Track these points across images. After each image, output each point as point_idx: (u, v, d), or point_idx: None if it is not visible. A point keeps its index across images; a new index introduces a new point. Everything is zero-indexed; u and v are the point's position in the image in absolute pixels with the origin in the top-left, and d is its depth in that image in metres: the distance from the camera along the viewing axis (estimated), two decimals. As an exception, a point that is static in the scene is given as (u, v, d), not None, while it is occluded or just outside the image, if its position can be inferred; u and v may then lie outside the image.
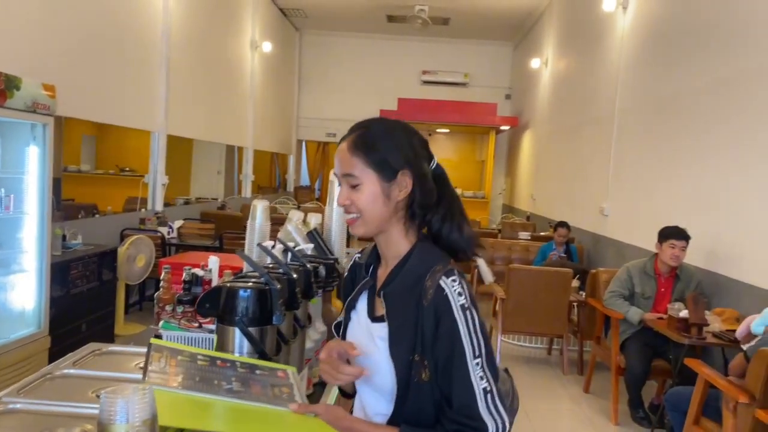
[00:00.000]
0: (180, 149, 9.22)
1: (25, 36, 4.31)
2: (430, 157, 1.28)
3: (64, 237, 4.50)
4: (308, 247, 2.40)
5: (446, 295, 1.17)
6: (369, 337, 1.28)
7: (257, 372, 1.37)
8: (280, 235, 2.56)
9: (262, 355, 1.48)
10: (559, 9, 9.36)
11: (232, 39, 9.00)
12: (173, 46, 6.68)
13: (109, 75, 5.50)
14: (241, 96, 9.57)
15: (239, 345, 1.49)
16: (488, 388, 1.14)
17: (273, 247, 2.29)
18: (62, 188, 8.71)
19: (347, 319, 1.39)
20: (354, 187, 1.24)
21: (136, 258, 5.20)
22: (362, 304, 1.34)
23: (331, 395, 1.84)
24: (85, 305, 4.34)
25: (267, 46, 10.27)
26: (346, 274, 1.52)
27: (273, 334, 1.56)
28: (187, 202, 8.13)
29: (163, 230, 5.94)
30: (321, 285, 2.16)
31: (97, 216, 5.99)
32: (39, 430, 1.20)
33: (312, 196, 12.83)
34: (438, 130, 13.22)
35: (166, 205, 7.21)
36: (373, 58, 12.95)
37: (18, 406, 1.31)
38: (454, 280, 1.18)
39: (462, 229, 1.27)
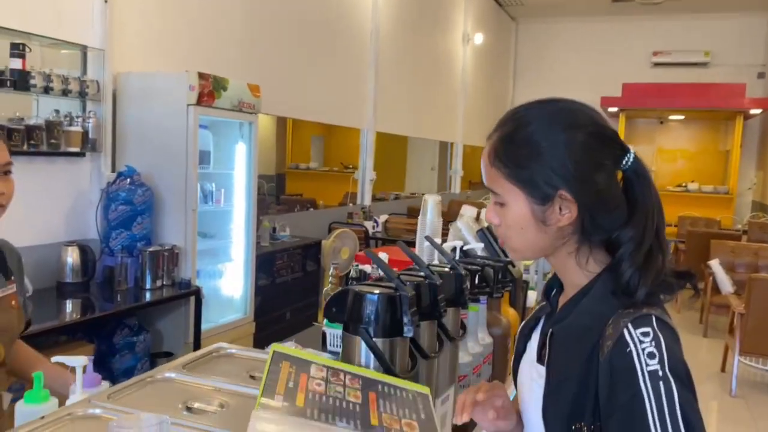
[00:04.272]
0: (395, 146, 9.46)
1: (237, 39, 4.63)
2: (620, 153, 0.92)
3: (274, 229, 4.79)
4: (478, 247, 2.15)
5: (629, 353, 0.83)
6: (530, 376, 1.00)
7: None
8: (451, 233, 2.36)
9: (389, 372, 1.28)
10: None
11: (443, 33, 8.96)
12: (382, 42, 6.81)
13: (317, 74, 5.74)
14: (451, 90, 9.50)
15: (365, 358, 1.31)
16: None
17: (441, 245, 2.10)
18: (287, 184, 9.48)
19: (521, 348, 1.10)
20: (500, 204, 0.96)
21: (340, 250, 5.36)
22: (537, 334, 1.05)
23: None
24: (289, 294, 4.56)
25: (479, 38, 10.06)
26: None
27: (404, 348, 1.34)
28: (397, 198, 8.29)
29: (369, 224, 6.07)
30: (487, 290, 1.90)
31: (311, 210, 6.34)
32: (183, 399, 1.16)
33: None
34: (671, 117, 11.85)
35: (379, 200, 7.42)
36: (596, 42, 12.01)
37: (173, 376, 1.29)
38: (645, 334, 0.83)
39: (648, 264, 0.88)
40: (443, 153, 10.31)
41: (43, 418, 0.97)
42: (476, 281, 1.87)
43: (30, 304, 1.64)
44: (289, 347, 1.28)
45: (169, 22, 3.90)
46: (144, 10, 3.70)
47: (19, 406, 1.11)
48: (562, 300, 0.99)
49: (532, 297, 2.45)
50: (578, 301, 0.92)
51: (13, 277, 1.52)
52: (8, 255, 1.55)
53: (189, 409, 1.08)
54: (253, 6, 4.72)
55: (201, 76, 3.39)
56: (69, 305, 3.07)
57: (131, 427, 0.71)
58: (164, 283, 3.35)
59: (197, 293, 3.44)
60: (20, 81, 2.85)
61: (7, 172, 1.44)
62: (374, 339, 1.28)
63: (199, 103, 3.39)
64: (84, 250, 3.18)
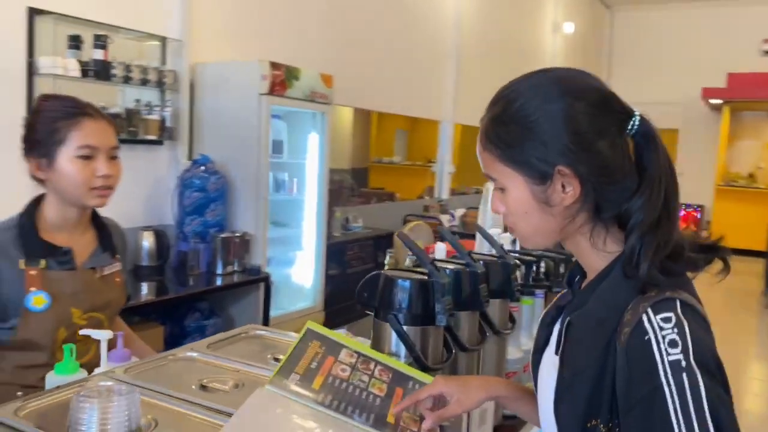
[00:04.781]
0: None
1: (314, 29, 4.63)
2: (623, 117, 0.83)
3: (346, 220, 4.79)
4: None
5: (648, 341, 0.74)
6: (548, 369, 0.92)
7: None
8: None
9: (418, 362, 1.21)
10: None
11: (530, 22, 8.68)
12: (464, 31, 6.67)
13: (395, 64, 5.69)
14: (539, 82, 9.19)
15: (396, 346, 1.24)
16: None
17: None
18: (370, 177, 9.52)
19: (542, 339, 1.01)
20: (501, 190, 0.89)
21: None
22: (559, 325, 0.96)
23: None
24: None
25: (569, 28, 9.67)
26: None
27: (437, 338, 1.27)
28: (478, 192, 8.14)
29: (444, 218, 5.97)
30: (545, 284, 1.79)
31: (387, 202, 6.32)
32: (200, 378, 1.16)
33: (619, 189, 11.78)
34: (782, 110, 10.93)
35: (460, 194, 7.30)
36: (698, 30, 11.25)
37: (195, 355, 1.29)
38: (666, 319, 0.74)
39: (652, 235, 0.79)
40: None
41: (58, 387, 0.97)
42: (533, 273, 1.77)
43: (130, 278, 1.74)
44: (323, 327, 1.24)
45: (246, 13, 3.97)
46: (221, 1, 3.78)
47: (50, 376, 1.14)
48: (585, 285, 0.89)
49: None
50: (597, 285, 0.84)
51: (118, 255, 1.60)
52: (114, 234, 1.63)
53: (203, 387, 1.06)
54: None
55: (273, 65, 3.42)
56: (144, 287, 3.19)
57: (96, 396, 0.68)
58: (235, 269, 3.42)
59: (267, 280, 3.49)
60: (102, 71, 2.97)
61: (115, 157, 1.50)
62: (405, 327, 1.22)
63: (271, 92, 3.43)
64: (159, 235, 3.29)
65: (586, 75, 0.87)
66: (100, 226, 1.59)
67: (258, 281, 3.48)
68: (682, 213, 11.40)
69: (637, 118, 0.83)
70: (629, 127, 0.83)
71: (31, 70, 2.79)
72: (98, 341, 1.41)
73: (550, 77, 0.86)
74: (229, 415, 0.92)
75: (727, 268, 0.83)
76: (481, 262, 1.46)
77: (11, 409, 0.91)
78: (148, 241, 3.27)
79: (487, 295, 1.38)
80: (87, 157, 1.42)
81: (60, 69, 2.79)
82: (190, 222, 3.40)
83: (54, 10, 2.86)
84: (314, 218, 3.99)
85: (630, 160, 0.83)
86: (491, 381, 1.04)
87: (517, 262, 1.65)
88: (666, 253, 0.78)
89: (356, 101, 5.28)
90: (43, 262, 1.40)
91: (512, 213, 0.88)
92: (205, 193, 3.38)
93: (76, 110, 1.44)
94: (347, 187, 6.87)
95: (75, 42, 2.92)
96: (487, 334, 1.44)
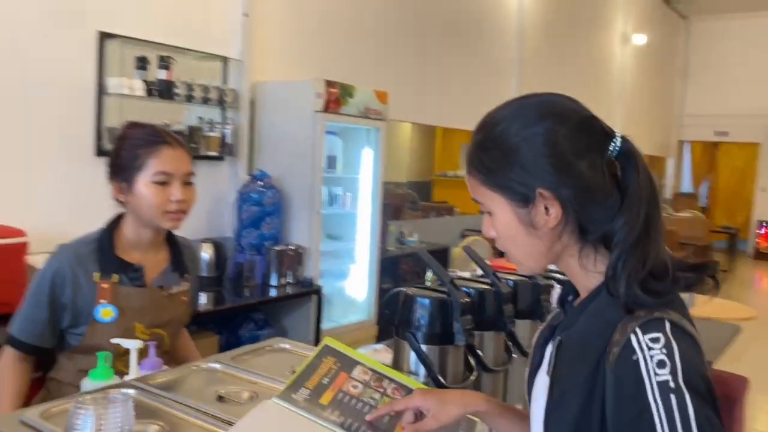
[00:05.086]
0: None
1: (373, 46, 4.71)
2: (603, 139, 0.83)
3: (402, 234, 4.81)
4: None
5: (636, 361, 0.74)
6: (539, 390, 0.91)
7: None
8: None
9: (436, 382, 1.21)
10: None
11: (597, 34, 8.48)
12: (527, 45, 6.60)
13: (455, 79, 5.69)
14: (607, 95, 8.95)
15: (415, 365, 1.25)
16: None
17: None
18: (434, 191, 9.54)
19: (537, 359, 0.99)
20: (489, 214, 0.90)
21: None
22: (551, 345, 0.94)
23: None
24: (415, 300, 4.55)
25: (641, 39, 9.39)
26: None
27: (457, 357, 1.27)
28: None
29: (503, 233, 5.90)
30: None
31: (445, 217, 6.31)
32: (218, 389, 1.19)
33: (695, 204, 11.27)
34: None
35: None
36: (781, 38, 10.68)
37: (218, 366, 1.34)
38: (655, 340, 0.74)
39: (632, 253, 0.78)
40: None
41: (85, 393, 1.04)
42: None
43: (197, 296, 1.82)
44: (341, 344, 1.26)
45: (305, 33, 4.09)
46: (281, 21, 3.91)
47: (85, 381, 1.21)
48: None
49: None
50: (587, 305, 0.84)
51: (187, 275, 1.67)
52: (186, 253, 1.70)
53: (220, 398, 1.11)
54: (390, 12, 4.80)
55: (328, 83, 3.51)
56: (202, 297, 3.30)
57: (92, 404, 0.73)
58: (288, 281, 3.50)
59: (318, 292, 3.55)
60: (165, 91, 3.13)
61: (189, 182, 1.58)
62: (424, 346, 1.22)
63: (326, 110, 3.51)
64: (218, 246, 3.41)
65: (566, 99, 0.87)
66: (173, 245, 1.66)
67: (310, 293, 3.55)
68: (762, 231, 10.78)
69: (619, 138, 0.84)
70: (611, 148, 0.83)
71: (101, 90, 2.97)
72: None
73: (530, 102, 0.87)
74: (240, 426, 0.95)
75: (716, 286, 0.81)
76: (510, 281, 1.45)
77: (37, 412, 0.98)
78: (207, 252, 3.39)
79: (513, 316, 1.37)
80: (163, 183, 1.49)
81: (126, 89, 2.96)
82: (247, 235, 3.51)
83: (122, 33, 3.04)
84: (368, 231, 4.04)
85: (613, 180, 0.83)
86: (470, 396, 1.03)
87: (553, 282, 1.62)
88: (646, 271, 0.78)
89: (414, 116, 5.31)
90: (115, 277, 1.49)
91: (502, 237, 0.89)
92: (262, 206, 3.48)
93: (157, 138, 1.52)
94: (409, 200, 6.90)
95: (141, 63, 3.09)
96: (514, 355, 1.42)
